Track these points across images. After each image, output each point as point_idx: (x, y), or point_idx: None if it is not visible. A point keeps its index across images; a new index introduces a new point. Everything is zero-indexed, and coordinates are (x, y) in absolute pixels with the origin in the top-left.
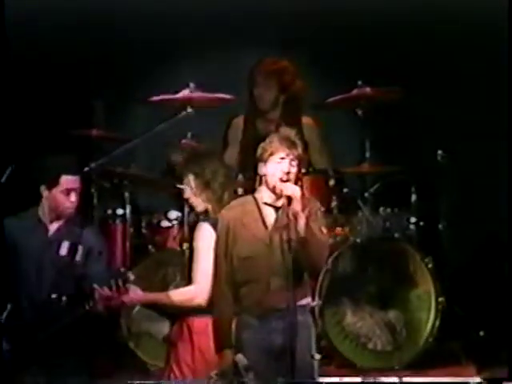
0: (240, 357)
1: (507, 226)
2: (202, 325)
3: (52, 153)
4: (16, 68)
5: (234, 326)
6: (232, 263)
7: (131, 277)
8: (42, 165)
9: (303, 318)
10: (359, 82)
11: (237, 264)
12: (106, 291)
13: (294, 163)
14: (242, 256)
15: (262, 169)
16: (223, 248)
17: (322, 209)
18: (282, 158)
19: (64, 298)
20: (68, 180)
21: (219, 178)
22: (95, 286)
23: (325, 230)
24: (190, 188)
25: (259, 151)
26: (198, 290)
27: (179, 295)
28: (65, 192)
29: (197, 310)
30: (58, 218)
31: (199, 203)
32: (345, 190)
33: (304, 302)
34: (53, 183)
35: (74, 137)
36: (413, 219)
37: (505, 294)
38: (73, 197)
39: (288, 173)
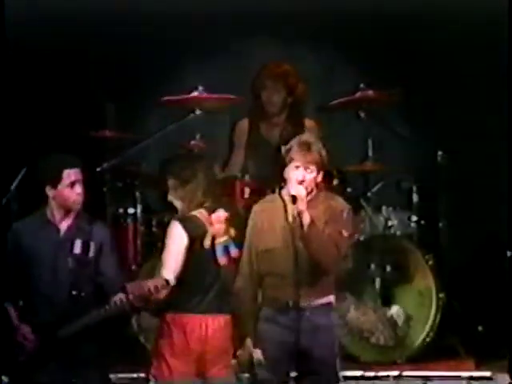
0: (257, 352)
1: (507, 225)
2: (182, 322)
3: (51, 151)
4: (29, 71)
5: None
6: (256, 256)
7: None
8: (43, 165)
9: (325, 319)
10: (362, 85)
11: (259, 256)
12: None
13: (310, 169)
14: (263, 248)
15: (286, 170)
16: (249, 240)
17: (348, 211)
18: (297, 167)
19: (83, 294)
20: (70, 173)
21: (196, 180)
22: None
23: (346, 233)
24: (171, 190)
25: (283, 154)
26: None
27: (147, 284)
28: (69, 185)
29: (178, 307)
30: (67, 214)
31: (177, 203)
32: (348, 190)
33: (325, 300)
34: (56, 180)
35: (87, 138)
36: (414, 218)
37: (503, 290)
38: (78, 188)
39: (302, 181)
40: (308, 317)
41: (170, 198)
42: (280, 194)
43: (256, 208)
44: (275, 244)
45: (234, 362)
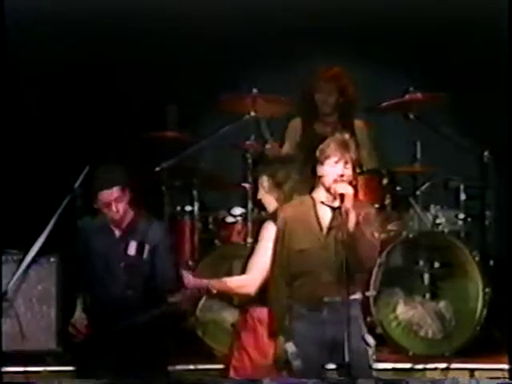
0: (290, 344)
1: (507, 226)
2: (266, 316)
3: (114, 151)
4: (93, 75)
5: (287, 316)
6: (287, 256)
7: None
8: (88, 183)
9: (353, 312)
10: (411, 88)
11: (292, 257)
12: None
13: (348, 166)
14: (296, 249)
15: (319, 170)
16: (280, 241)
17: (375, 214)
18: (336, 162)
19: (134, 293)
20: (103, 195)
21: (290, 182)
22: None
23: (376, 235)
24: (263, 189)
25: (317, 153)
26: (249, 279)
27: (232, 282)
28: (105, 205)
29: (262, 302)
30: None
31: (270, 203)
32: (397, 189)
33: (356, 296)
34: (94, 199)
35: (148, 139)
36: (461, 215)
37: None
38: (113, 207)
39: (342, 175)
40: (339, 311)
41: (261, 196)
42: (310, 194)
43: (284, 210)
44: (309, 244)
45: (269, 362)
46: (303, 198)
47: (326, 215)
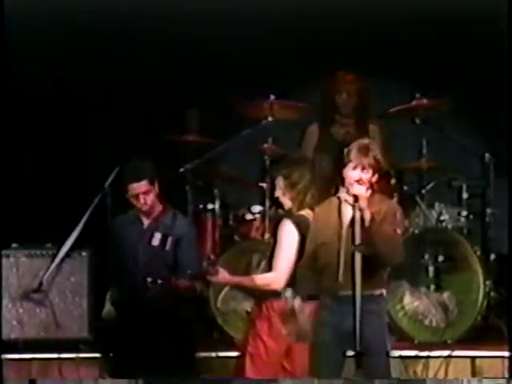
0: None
1: (507, 226)
2: (280, 307)
3: (122, 164)
4: (121, 80)
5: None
6: (313, 250)
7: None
8: (117, 176)
9: (376, 307)
10: (417, 95)
11: (316, 249)
12: (184, 281)
13: (366, 171)
14: (319, 242)
15: (344, 171)
16: (310, 237)
17: (398, 210)
18: (355, 168)
19: (159, 281)
20: (132, 187)
21: (304, 182)
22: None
23: (399, 231)
24: (279, 188)
25: (344, 154)
26: (276, 276)
27: (260, 279)
28: (134, 196)
29: (278, 294)
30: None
31: (286, 202)
32: (404, 188)
33: (378, 291)
34: (125, 190)
35: (171, 142)
36: (464, 213)
37: None
38: (141, 199)
39: (358, 180)
40: (361, 304)
41: (278, 194)
42: (336, 194)
43: (317, 209)
44: (331, 239)
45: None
46: (331, 199)
47: (348, 212)
